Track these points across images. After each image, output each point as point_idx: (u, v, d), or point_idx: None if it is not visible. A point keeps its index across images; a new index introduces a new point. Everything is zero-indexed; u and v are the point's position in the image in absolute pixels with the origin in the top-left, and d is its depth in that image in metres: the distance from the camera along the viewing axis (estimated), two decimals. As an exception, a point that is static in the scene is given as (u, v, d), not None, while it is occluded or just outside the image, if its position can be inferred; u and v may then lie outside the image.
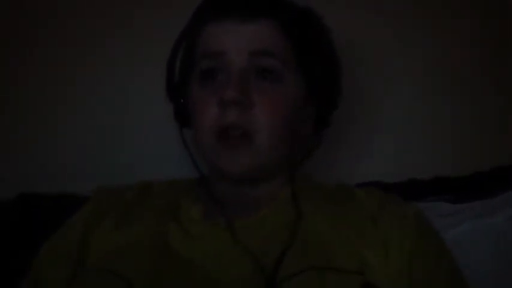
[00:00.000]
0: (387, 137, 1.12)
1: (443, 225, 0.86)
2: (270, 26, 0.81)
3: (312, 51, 0.84)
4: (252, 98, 0.78)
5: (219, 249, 0.76)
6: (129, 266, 0.75)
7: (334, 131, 0.91)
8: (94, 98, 1.13)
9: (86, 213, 0.84)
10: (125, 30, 1.14)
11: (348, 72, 0.91)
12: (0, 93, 1.14)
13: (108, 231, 0.81)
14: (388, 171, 1.06)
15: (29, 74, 1.14)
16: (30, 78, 1.14)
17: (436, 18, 1.15)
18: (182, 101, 0.85)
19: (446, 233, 0.84)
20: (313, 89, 0.84)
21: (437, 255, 0.79)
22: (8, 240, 0.98)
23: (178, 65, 0.87)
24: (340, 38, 0.90)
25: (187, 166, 0.87)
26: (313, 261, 0.73)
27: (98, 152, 1.11)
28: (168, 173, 0.94)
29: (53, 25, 1.14)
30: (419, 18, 1.15)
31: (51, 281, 0.80)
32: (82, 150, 1.12)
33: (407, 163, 1.10)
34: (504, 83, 1.14)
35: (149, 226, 0.80)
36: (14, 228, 0.99)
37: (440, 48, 1.14)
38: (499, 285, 0.89)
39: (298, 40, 0.83)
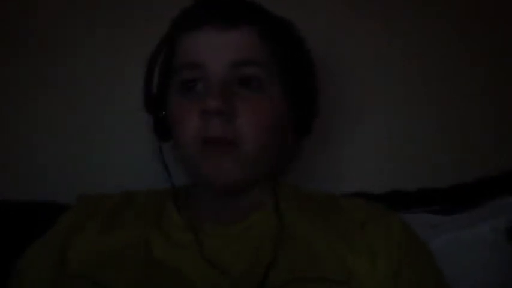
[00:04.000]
0: (371, 146, 1.11)
1: (428, 236, 0.85)
2: (251, 34, 0.79)
3: (291, 59, 0.83)
4: (235, 107, 0.77)
5: (201, 259, 0.75)
6: (110, 275, 0.75)
7: (318, 140, 0.90)
8: (76, 100, 1.11)
9: (68, 219, 0.84)
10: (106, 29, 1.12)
11: (330, 80, 0.89)
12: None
13: (90, 238, 0.80)
14: (373, 182, 1.05)
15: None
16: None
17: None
18: (164, 113, 0.83)
19: (430, 243, 0.84)
20: (293, 97, 0.83)
21: (424, 265, 0.79)
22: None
23: (156, 77, 0.84)
24: (322, 41, 0.89)
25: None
26: (300, 271, 0.74)
27: (78, 158, 1.10)
28: (150, 180, 0.93)
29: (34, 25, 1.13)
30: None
31: (34, 283, 0.79)
32: (62, 155, 1.10)
33: (391, 173, 1.09)
34: (500, 88, 1.13)
35: (131, 234, 0.80)
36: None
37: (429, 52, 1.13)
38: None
39: (278, 47, 0.81)
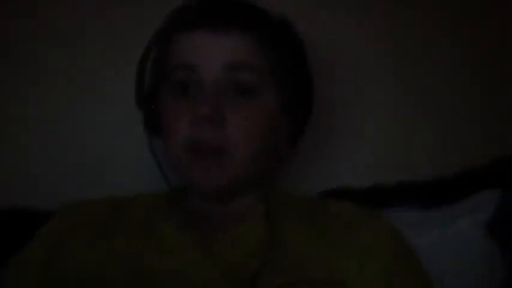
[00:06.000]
0: (356, 143, 1.11)
1: (410, 234, 0.85)
2: (245, 38, 0.78)
3: (287, 64, 0.82)
4: (226, 114, 0.76)
5: (193, 265, 0.75)
6: (102, 285, 0.74)
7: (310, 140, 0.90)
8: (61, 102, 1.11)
9: (51, 232, 0.82)
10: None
11: (330, 80, 0.89)
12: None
13: (77, 249, 0.78)
14: (356, 177, 1.06)
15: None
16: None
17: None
18: (153, 107, 0.83)
19: (411, 242, 0.83)
20: (288, 101, 0.82)
21: (413, 274, 0.79)
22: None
23: (148, 73, 0.84)
24: (317, 42, 0.89)
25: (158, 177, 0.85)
26: (290, 275, 0.73)
27: (61, 162, 1.09)
28: (145, 182, 0.93)
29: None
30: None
31: None
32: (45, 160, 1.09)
33: (374, 168, 1.09)
34: (500, 88, 1.13)
35: (122, 243, 0.78)
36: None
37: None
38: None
39: (274, 53, 0.80)
